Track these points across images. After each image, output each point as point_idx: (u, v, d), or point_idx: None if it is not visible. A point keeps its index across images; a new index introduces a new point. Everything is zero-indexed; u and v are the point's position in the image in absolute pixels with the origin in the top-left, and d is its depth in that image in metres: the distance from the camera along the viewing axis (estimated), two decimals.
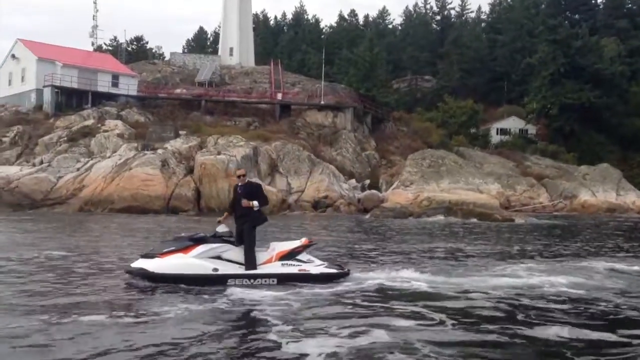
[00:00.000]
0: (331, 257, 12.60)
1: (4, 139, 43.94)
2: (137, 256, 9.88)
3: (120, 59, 63.01)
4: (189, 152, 40.83)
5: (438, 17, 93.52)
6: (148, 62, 68.72)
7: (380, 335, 6.22)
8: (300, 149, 44.98)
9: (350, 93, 59.01)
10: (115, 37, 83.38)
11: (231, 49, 66.71)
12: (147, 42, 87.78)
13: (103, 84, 50.63)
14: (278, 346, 5.81)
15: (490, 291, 9.04)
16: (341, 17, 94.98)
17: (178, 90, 55.60)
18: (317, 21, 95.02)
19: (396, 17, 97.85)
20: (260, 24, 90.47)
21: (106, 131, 43.37)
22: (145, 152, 39.87)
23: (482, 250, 15.81)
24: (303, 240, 9.80)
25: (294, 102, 55.28)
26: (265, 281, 9.06)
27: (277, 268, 9.27)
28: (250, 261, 9.14)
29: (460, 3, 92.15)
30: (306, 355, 5.48)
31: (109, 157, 40.03)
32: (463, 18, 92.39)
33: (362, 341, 6.00)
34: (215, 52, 73.35)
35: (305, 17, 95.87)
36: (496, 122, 70.07)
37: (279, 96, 55.05)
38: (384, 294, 8.79)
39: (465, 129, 63.05)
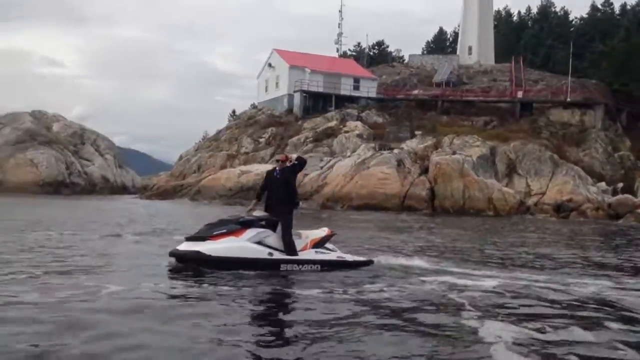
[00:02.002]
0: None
1: (261, 140, 48.99)
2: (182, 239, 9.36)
3: (362, 64, 65.94)
4: (424, 152, 41.08)
5: None
6: (388, 65, 70.72)
7: (580, 335, 5.72)
8: (542, 149, 42.34)
9: (602, 89, 53.80)
10: (359, 43, 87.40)
11: (470, 48, 65.48)
12: (387, 46, 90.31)
13: (345, 88, 53.48)
14: (474, 330, 5.72)
15: None
16: (594, 7, 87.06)
17: (415, 92, 56.30)
18: (566, 13, 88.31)
19: None
20: (502, 21, 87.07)
21: (347, 132, 45.75)
22: (383, 151, 41.13)
23: None
24: (326, 230, 9.91)
25: (536, 99, 52.27)
26: (311, 267, 9.25)
27: (315, 255, 9.42)
28: (291, 247, 9.16)
29: None
30: (500, 337, 5.42)
31: (349, 157, 42.14)
32: None
33: (557, 337, 5.62)
34: (454, 52, 72.67)
35: (553, 10, 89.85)
36: None
37: (520, 94, 52.50)
38: (606, 299, 7.78)
39: None
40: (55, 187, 47.83)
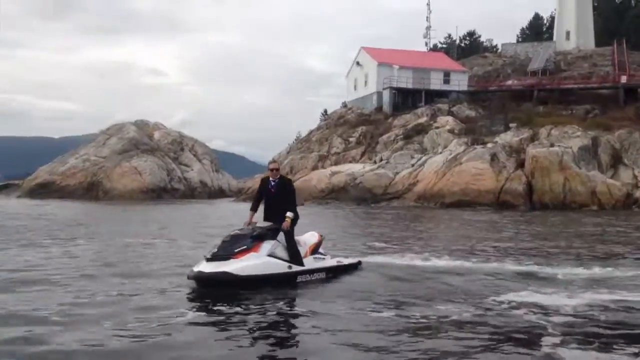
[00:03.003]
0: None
1: (351, 139, 49.07)
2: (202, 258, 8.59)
3: (452, 56, 64.44)
4: (520, 145, 39.55)
5: None
6: (479, 55, 68.71)
7: None
8: None
9: None
10: (449, 35, 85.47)
11: (567, 33, 62.31)
12: (479, 36, 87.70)
13: (435, 82, 52.48)
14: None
15: None
16: None
17: (509, 82, 54.30)
18: None
19: None
20: (602, 1, 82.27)
21: (438, 127, 44.88)
22: (475, 146, 40.02)
23: None
24: (317, 236, 9.74)
25: None
26: (318, 275, 9.14)
27: (317, 262, 9.31)
28: (298, 257, 8.89)
29: None
30: None
31: (440, 153, 41.33)
32: None
33: None
34: (551, 38, 69.45)
35: None
36: None
37: (624, 79, 49.31)
38: None
39: None
40: (158, 193, 50.23)
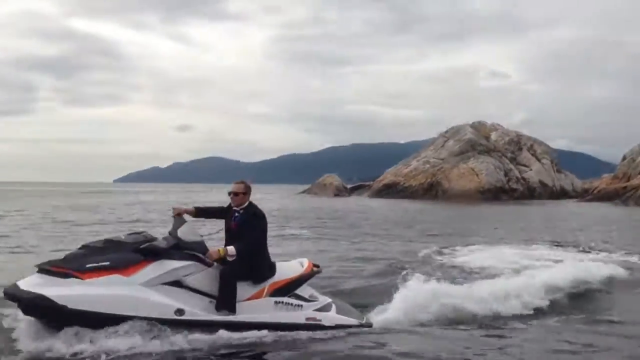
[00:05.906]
0: None
1: None
2: (34, 269, 5.45)
3: None
4: None
5: None
6: None
7: None
8: None
9: None
10: None
11: None
12: None
13: None
14: None
15: None
16: None
17: None
18: None
19: None
20: None
21: None
22: None
23: None
24: (305, 265, 6.23)
25: None
26: (253, 333, 5.67)
27: (270, 309, 5.82)
28: (227, 301, 5.61)
29: None
30: None
31: None
32: None
33: None
34: None
35: None
36: None
37: None
38: None
39: None
40: (494, 194, 49.75)
